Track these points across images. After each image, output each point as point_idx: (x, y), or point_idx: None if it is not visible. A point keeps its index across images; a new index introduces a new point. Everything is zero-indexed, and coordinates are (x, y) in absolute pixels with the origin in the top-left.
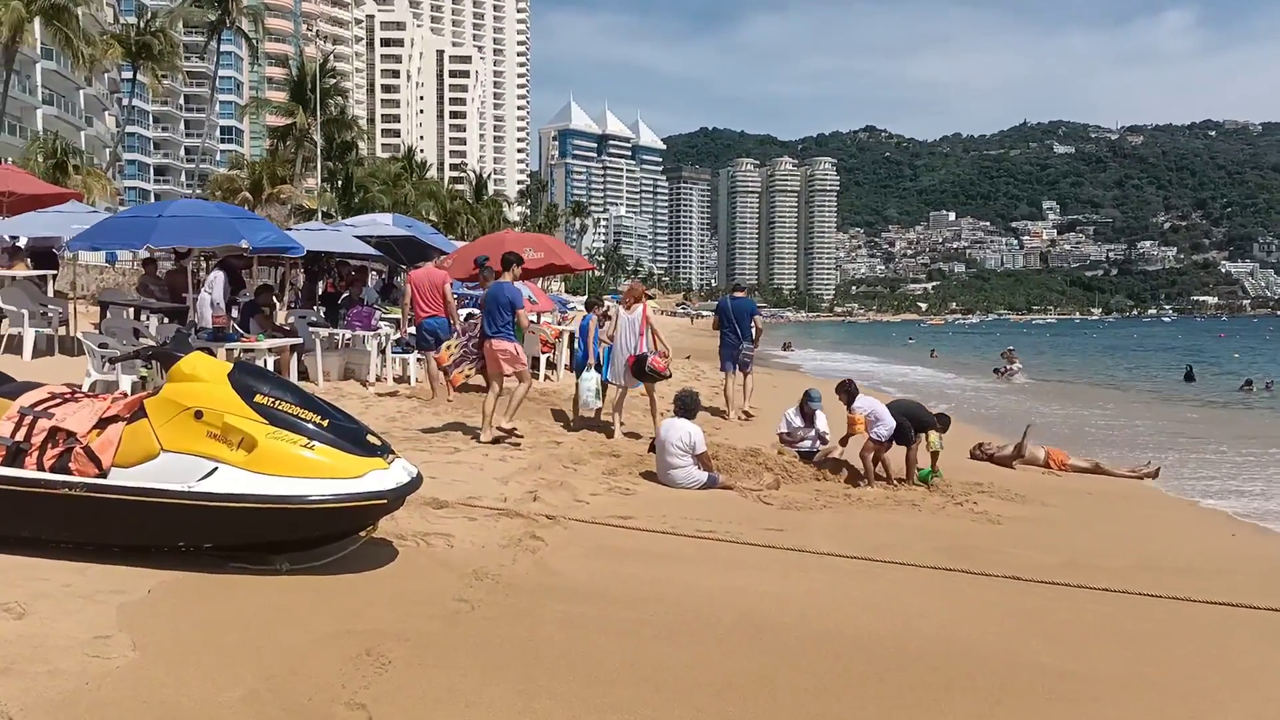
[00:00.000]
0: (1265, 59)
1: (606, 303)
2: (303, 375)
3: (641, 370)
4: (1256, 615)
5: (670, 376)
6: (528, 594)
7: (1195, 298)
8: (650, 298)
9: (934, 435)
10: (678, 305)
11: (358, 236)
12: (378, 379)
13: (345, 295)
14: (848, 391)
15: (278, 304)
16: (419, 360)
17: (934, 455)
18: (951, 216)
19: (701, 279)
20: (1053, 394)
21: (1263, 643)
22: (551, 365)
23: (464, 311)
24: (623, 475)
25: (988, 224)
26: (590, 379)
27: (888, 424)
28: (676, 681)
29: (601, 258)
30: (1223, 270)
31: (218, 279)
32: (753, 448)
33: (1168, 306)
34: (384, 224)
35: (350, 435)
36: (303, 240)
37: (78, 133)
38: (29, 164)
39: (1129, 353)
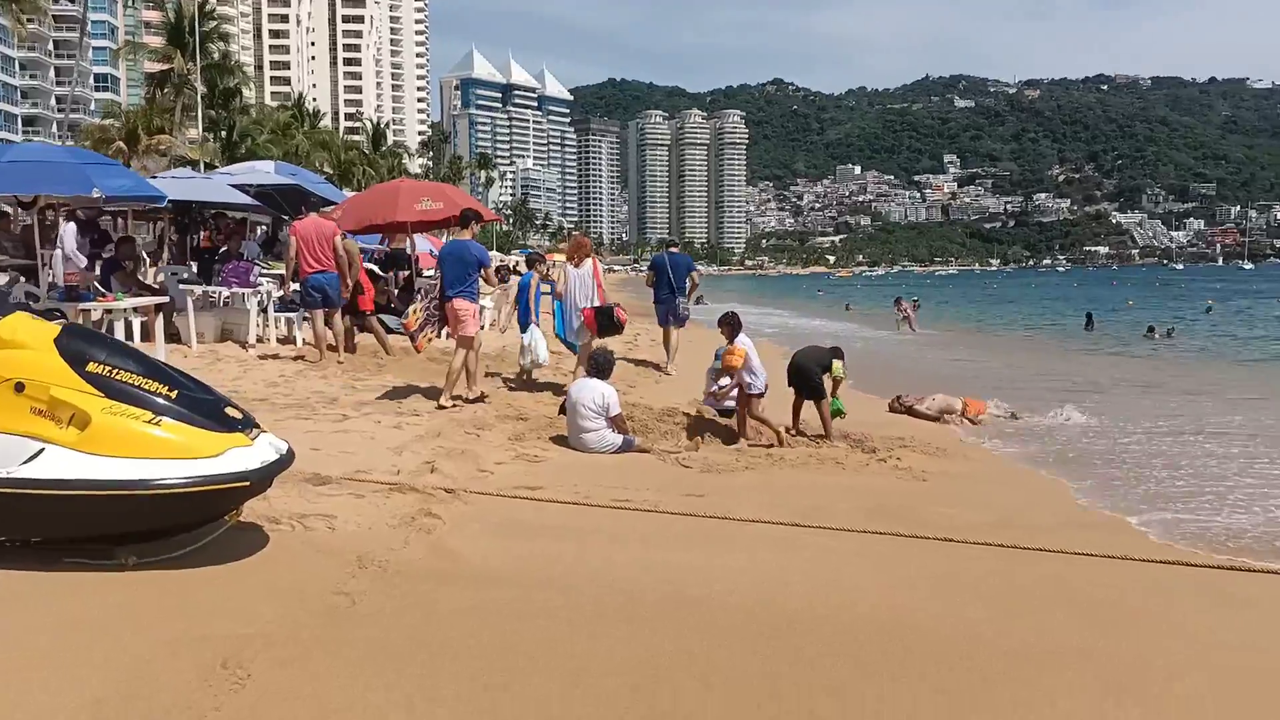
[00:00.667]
0: (1155, 14)
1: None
2: (174, 338)
3: (610, 322)
4: (1205, 574)
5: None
6: (420, 581)
7: (1088, 248)
8: (560, 252)
9: (837, 364)
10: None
11: (235, 185)
12: (259, 340)
13: (223, 250)
14: (730, 325)
15: (147, 260)
16: (305, 319)
17: (836, 383)
18: (857, 170)
19: (612, 233)
20: (961, 343)
21: (1214, 604)
22: None
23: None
24: (531, 441)
25: (892, 177)
26: (539, 337)
27: (761, 376)
28: (596, 670)
29: (509, 212)
30: (1113, 221)
31: (68, 231)
32: (669, 407)
33: (1061, 257)
34: (264, 171)
35: (205, 409)
36: (168, 189)
37: None
38: None
39: (1031, 302)
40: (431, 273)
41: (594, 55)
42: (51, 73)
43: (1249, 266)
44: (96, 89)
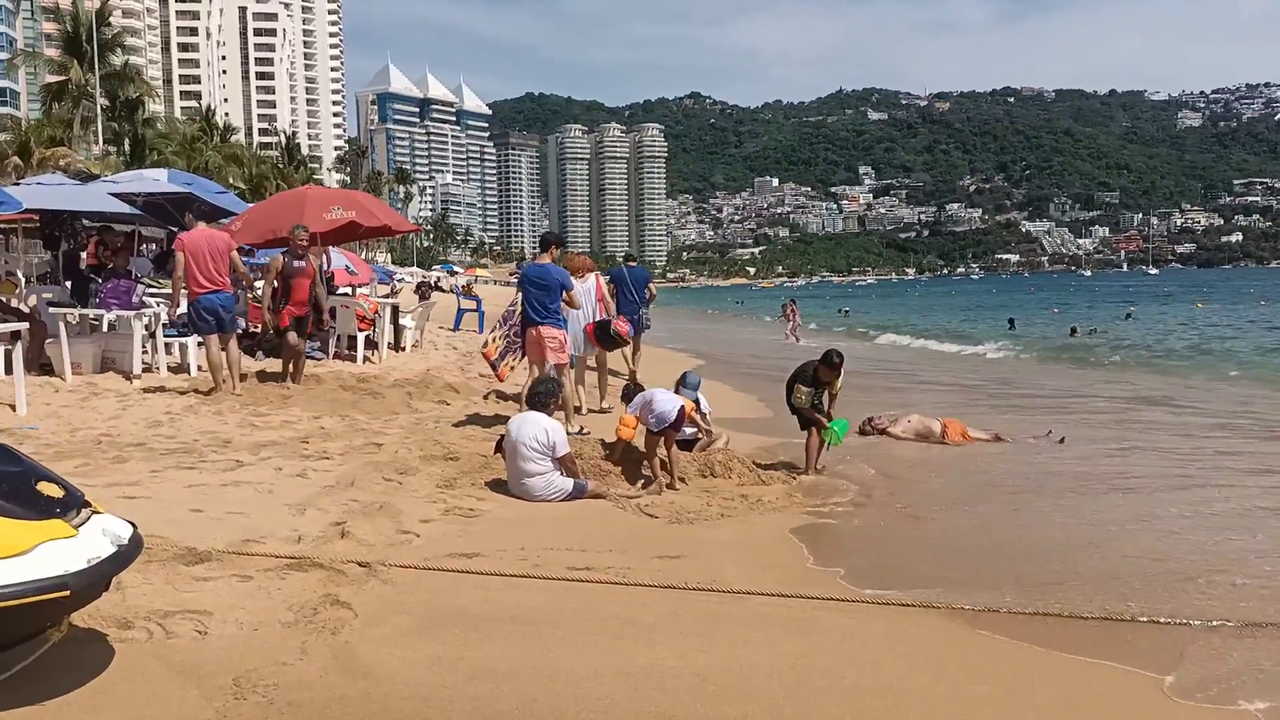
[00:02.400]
0: (1056, 29)
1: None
2: (46, 368)
3: (606, 335)
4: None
5: (628, 343)
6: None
7: (999, 256)
8: (484, 267)
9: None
10: (510, 274)
11: (120, 194)
12: (145, 370)
13: (109, 267)
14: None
15: (23, 280)
16: (199, 345)
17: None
18: (775, 182)
19: (533, 247)
20: (904, 356)
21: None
22: (372, 345)
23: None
24: (463, 488)
25: (809, 189)
26: None
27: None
28: None
29: (430, 227)
30: (1023, 229)
31: None
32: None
33: (975, 265)
34: (154, 180)
35: (4, 486)
36: (30, 196)
37: None
38: None
39: (954, 310)
40: (348, 290)
41: (512, 70)
42: None
43: (1153, 271)
44: None
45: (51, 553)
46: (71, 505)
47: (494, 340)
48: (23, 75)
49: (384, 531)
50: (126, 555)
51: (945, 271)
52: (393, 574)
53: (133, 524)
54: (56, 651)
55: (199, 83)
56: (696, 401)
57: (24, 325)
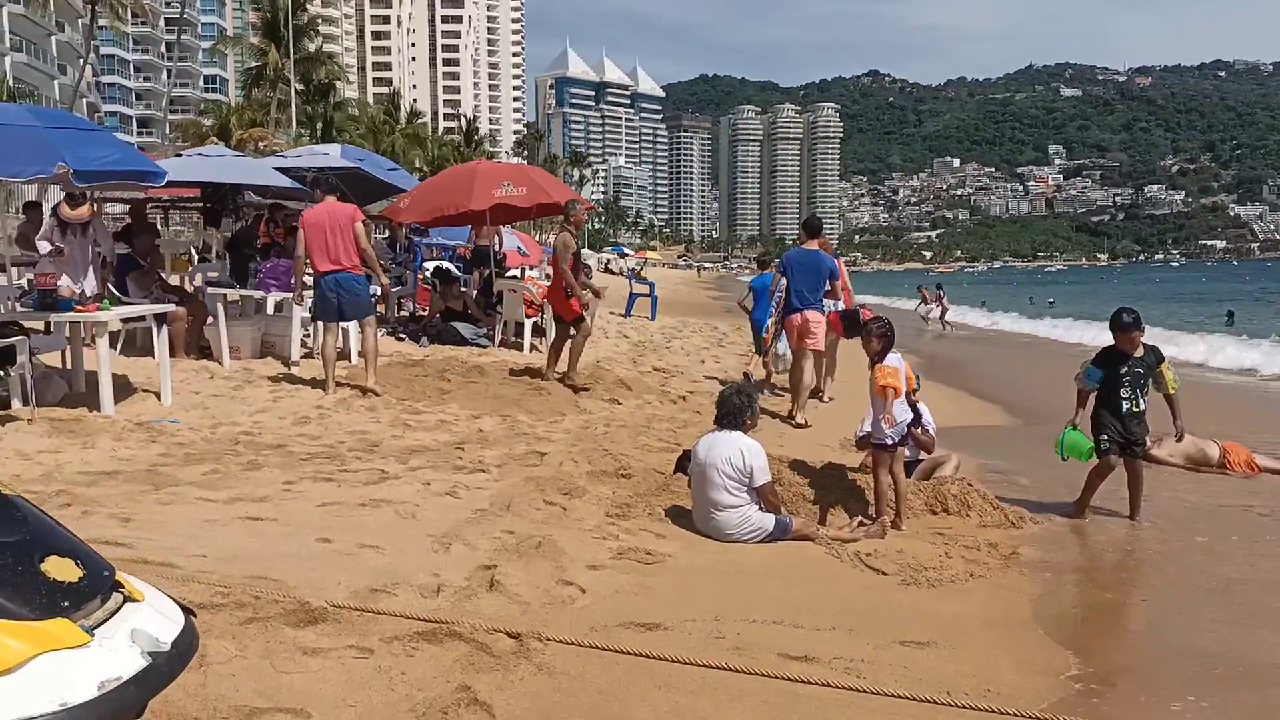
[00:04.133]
0: None
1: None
2: (206, 351)
3: (854, 324)
4: None
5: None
6: None
7: (1203, 242)
8: (653, 249)
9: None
10: (679, 258)
11: (288, 169)
12: (305, 355)
13: (273, 245)
14: (869, 332)
15: (165, 255)
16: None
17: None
18: (956, 163)
19: (703, 230)
20: None
21: None
22: (540, 332)
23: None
24: (638, 517)
25: (993, 170)
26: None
27: (898, 421)
28: None
29: (601, 210)
30: (1231, 214)
31: (46, 221)
32: (830, 463)
33: (1175, 251)
34: (325, 155)
35: None
36: (188, 169)
37: (50, 81)
38: None
39: (1163, 300)
40: (517, 272)
41: (686, 51)
42: (164, 75)
43: None
44: (205, 90)
45: (49, 670)
46: (89, 593)
47: (771, 330)
48: (231, 63)
49: (542, 581)
50: (166, 671)
51: (1142, 258)
52: (550, 652)
53: (187, 611)
54: None
55: (390, 70)
56: (915, 391)
57: (169, 308)
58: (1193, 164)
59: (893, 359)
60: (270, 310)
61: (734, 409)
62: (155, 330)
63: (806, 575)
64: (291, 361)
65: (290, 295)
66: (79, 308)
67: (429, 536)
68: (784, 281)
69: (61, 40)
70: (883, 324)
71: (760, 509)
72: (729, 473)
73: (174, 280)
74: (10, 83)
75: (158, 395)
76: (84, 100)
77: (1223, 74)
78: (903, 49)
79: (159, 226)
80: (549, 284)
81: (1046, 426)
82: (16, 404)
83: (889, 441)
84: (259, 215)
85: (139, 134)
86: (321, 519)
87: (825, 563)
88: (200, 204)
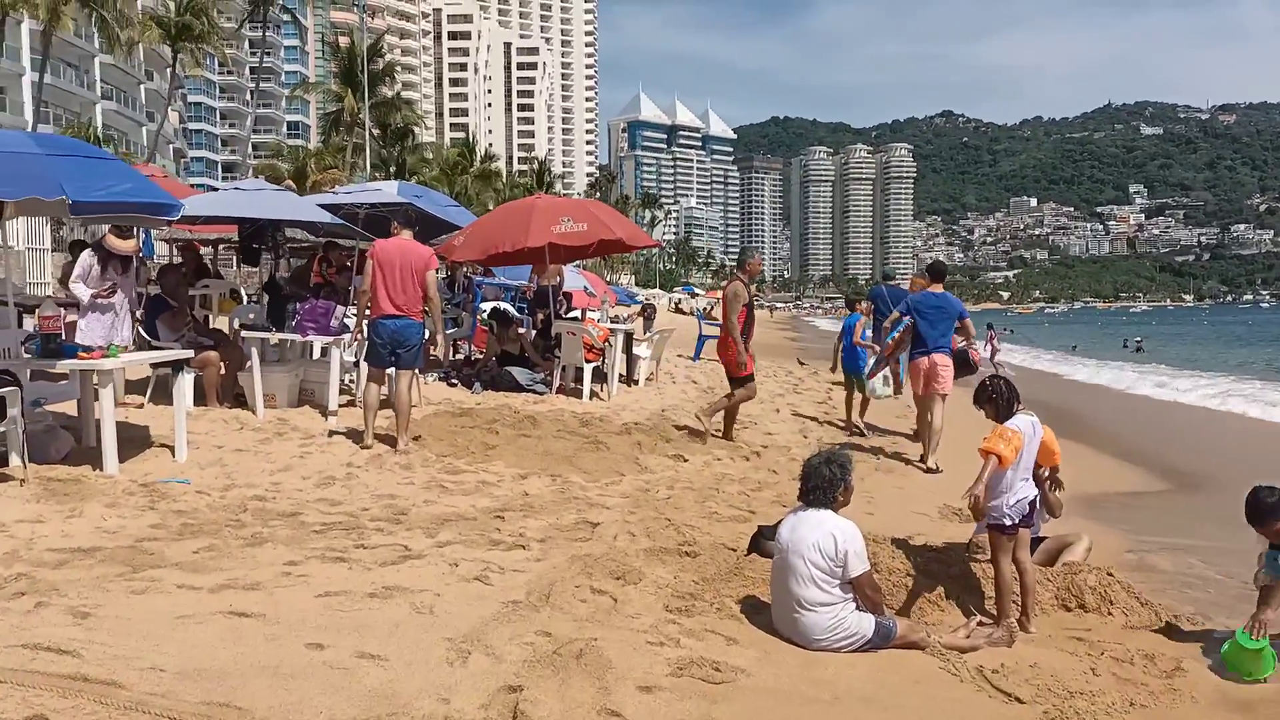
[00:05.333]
0: None
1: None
2: (239, 401)
3: (965, 364)
4: None
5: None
6: None
7: None
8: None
9: None
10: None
11: (338, 206)
12: (346, 404)
13: (324, 285)
14: (989, 397)
15: (213, 297)
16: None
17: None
18: (1033, 202)
19: (774, 270)
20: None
21: None
22: (602, 378)
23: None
24: (704, 613)
25: (1071, 209)
26: (877, 379)
27: (1017, 495)
28: None
29: (672, 250)
30: None
31: (81, 259)
32: (933, 546)
33: (1264, 291)
34: (378, 191)
35: None
36: (217, 203)
37: (139, 128)
38: None
39: (1261, 342)
40: (578, 314)
41: (757, 95)
42: (249, 121)
43: None
44: (289, 136)
45: None
46: None
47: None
48: (313, 110)
49: (578, 712)
50: None
51: (1230, 299)
52: None
53: None
54: None
55: (467, 115)
56: (1056, 469)
57: (188, 354)
58: None
59: (1022, 422)
60: (315, 355)
61: (824, 482)
62: (173, 377)
63: (919, 703)
64: (330, 412)
65: (330, 339)
66: (83, 354)
67: (446, 641)
68: (896, 319)
69: (150, 88)
70: (987, 387)
71: (856, 607)
72: (818, 561)
73: (220, 323)
74: (100, 130)
75: (171, 449)
76: (170, 146)
77: None
78: (977, 89)
79: (211, 266)
80: (717, 338)
81: (1202, 496)
82: (15, 460)
83: (1007, 522)
84: (313, 254)
85: (224, 178)
86: (319, 615)
87: (941, 682)
88: (237, 242)
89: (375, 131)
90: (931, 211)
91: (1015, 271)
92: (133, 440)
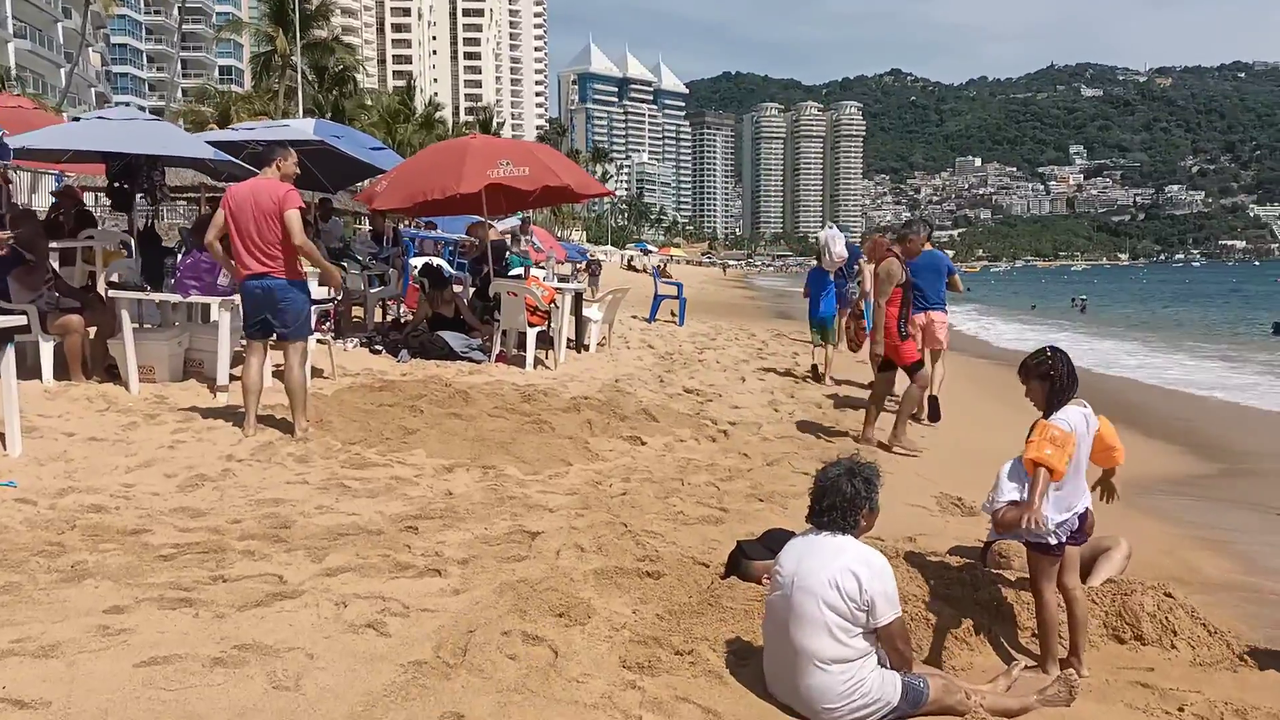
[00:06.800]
0: None
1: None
2: (112, 373)
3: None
4: None
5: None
6: None
7: (1223, 242)
8: (677, 246)
9: None
10: (703, 255)
11: (235, 144)
12: (232, 379)
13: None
14: (1037, 373)
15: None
16: (319, 342)
17: None
18: (978, 162)
19: (726, 228)
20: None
21: None
22: (548, 343)
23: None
24: (672, 668)
25: (1014, 169)
26: None
27: (1071, 506)
28: None
29: (625, 206)
30: (1251, 214)
31: None
32: (950, 563)
33: (1195, 251)
34: (288, 128)
35: None
36: (81, 135)
37: (56, 70)
38: None
39: (1195, 300)
40: (517, 272)
41: (709, 48)
42: (178, 65)
43: None
44: (221, 81)
45: None
46: None
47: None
48: (246, 54)
49: None
50: None
51: (1163, 258)
52: None
53: None
54: None
55: (410, 63)
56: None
57: (19, 320)
58: (1213, 164)
59: (1074, 416)
60: (200, 320)
61: (844, 501)
62: (75, 343)
63: None
64: (219, 387)
65: (215, 300)
66: None
67: None
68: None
69: (68, 27)
70: (1046, 359)
71: (879, 662)
72: (835, 604)
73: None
74: (14, 70)
75: (1, 440)
76: (92, 90)
77: (1243, 75)
78: (925, 48)
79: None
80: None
81: (1254, 479)
82: None
83: (1052, 540)
84: (214, 201)
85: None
86: (129, 703)
87: None
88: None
89: (310, 76)
90: (880, 170)
91: (960, 230)
92: None
